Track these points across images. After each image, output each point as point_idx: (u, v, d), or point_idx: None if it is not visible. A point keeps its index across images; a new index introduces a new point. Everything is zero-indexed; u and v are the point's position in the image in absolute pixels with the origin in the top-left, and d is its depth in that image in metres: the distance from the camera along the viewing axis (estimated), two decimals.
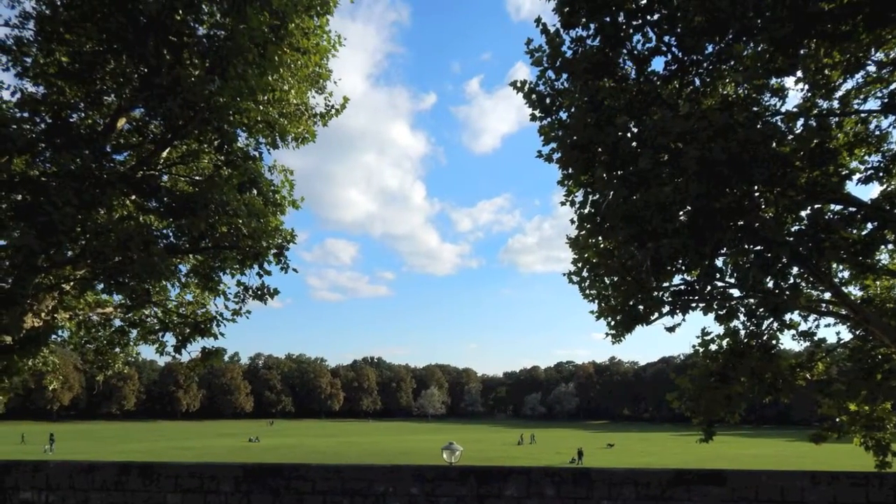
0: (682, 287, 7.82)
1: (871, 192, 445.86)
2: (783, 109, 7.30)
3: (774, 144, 6.48)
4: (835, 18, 6.00)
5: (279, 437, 72.02)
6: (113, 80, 7.93)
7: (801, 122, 7.06)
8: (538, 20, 7.29)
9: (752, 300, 8.31)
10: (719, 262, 7.61)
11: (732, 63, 7.15)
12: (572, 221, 7.88)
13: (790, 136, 6.76)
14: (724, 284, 7.92)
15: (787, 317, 8.76)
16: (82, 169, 7.17)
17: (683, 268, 7.51)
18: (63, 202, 6.83)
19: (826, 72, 6.97)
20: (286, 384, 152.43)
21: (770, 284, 7.41)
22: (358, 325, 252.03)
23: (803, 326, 9.08)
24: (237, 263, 8.99)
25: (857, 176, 7.58)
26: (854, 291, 8.99)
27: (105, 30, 7.28)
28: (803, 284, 8.16)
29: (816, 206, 7.22)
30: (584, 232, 7.89)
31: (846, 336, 9.44)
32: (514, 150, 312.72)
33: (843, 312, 8.36)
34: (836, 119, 7.45)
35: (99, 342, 10.51)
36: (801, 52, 6.47)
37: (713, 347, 9.22)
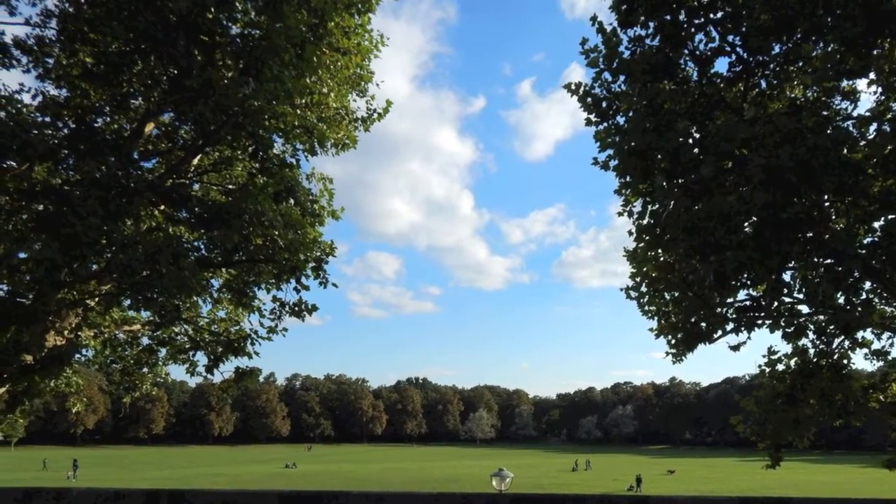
0: (748, 303, 8.47)
1: None
2: (855, 114, 7.88)
3: (845, 151, 6.96)
4: None
5: (318, 462, 74.76)
6: (140, 83, 8.57)
7: (874, 127, 7.49)
8: (594, 18, 7.92)
9: (821, 317, 8.96)
10: (787, 277, 8.20)
11: (801, 64, 7.79)
12: (630, 233, 8.55)
13: (862, 143, 7.25)
14: (791, 300, 8.57)
15: (859, 334, 9.31)
16: (108, 177, 7.78)
17: (749, 282, 8.09)
18: (87, 212, 7.42)
19: None
20: (325, 407, 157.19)
21: (841, 300, 8.02)
22: (402, 343, 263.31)
23: (876, 345, 9.54)
24: (273, 278, 9.56)
25: None
26: None
27: (132, 29, 7.86)
28: (876, 300, 8.79)
29: (890, 216, 7.79)
30: (642, 244, 8.55)
31: None
32: (569, 157, 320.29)
33: None
34: None
35: (125, 362, 11.12)
36: (874, 52, 7.01)
37: (780, 367, 9.79)
